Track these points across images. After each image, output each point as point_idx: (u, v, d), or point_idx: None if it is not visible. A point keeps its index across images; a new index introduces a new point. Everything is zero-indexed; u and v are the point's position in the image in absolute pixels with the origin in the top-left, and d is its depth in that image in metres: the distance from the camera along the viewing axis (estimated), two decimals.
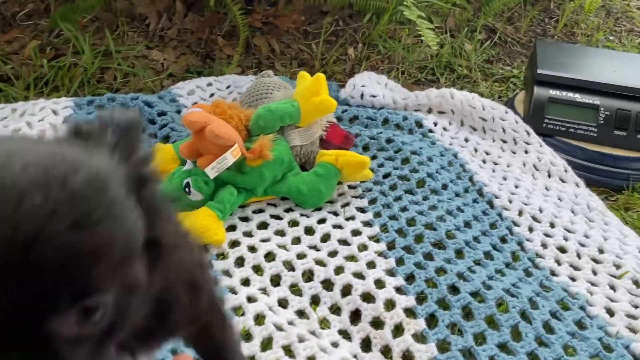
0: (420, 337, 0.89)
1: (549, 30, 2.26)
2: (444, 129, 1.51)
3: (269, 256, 1.03)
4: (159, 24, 1.82)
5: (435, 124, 1.51)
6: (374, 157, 1.35)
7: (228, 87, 1.60)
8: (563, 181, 1.35)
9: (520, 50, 2.10)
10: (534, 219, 1.18)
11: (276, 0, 1.89)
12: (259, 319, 0.90)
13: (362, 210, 1.18)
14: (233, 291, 0.95)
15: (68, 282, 0.27)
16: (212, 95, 1.56)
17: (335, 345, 0.88)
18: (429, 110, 1.58)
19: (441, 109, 1.57)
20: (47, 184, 0.27)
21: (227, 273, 0.99)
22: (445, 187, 1.26)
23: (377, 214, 1.16)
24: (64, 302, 0.27)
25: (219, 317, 0.56)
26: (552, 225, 1.16)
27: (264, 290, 0.96)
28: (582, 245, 1.11)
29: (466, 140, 1.47)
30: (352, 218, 1.15)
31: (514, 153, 1.43)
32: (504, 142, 1.47)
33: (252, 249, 1.05)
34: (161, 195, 0.37)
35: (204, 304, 0.48)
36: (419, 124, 1.50)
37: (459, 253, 1.07)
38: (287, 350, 0.86)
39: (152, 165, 0.36)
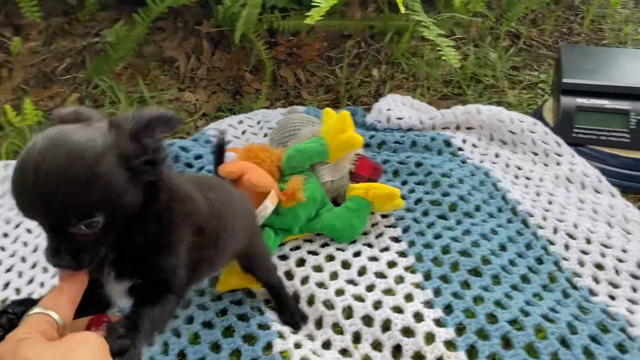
0: None
1: (575, 28, 2.23)
2: (474, 145, 1.52)
3: (310, 299, 1.07)
4: (189, 65, 1.89)
5: (464, 141, 1.52)
6: (404, 183, 1.38)
7: (258, 122, 1.65)
8: (597, 192, 1.34)
9: (546, 53, 2.08)
10: (570, 236, 1.18)
11: (298, 30, 1.93)
12: None
13: (396, 239, 1.20)
14: (281, 336, 0.99)
15: (74, 213, 0.53)
16: (244, 132, 1.61)
17: None
18: (457, 127, 1.59)
19: (469, 125, 1.58)
20: (59, 170, 0.52)
21: (276, 320, 1.03)
22: (478, 208, 1.27)
23: (411, 243, 1.18)
24: (73, 220, 0.53)
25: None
26: (588, 242, 1.16)
27: (309, 336, 1.00)
28: (620, 260, 1.11)
29: (497, 155, 1.48)
30: (387, 249, 1.18)
31: (546, 165, 1.43)
32: (535, 154, 1.47)
33: (294, 294, 1.09)
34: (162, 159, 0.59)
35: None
36: (448, 143, 1.51)
37: (496, 279, 1.08)
38: None
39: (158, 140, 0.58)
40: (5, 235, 1.26)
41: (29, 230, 1.26)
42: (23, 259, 1.19)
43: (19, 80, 1.80)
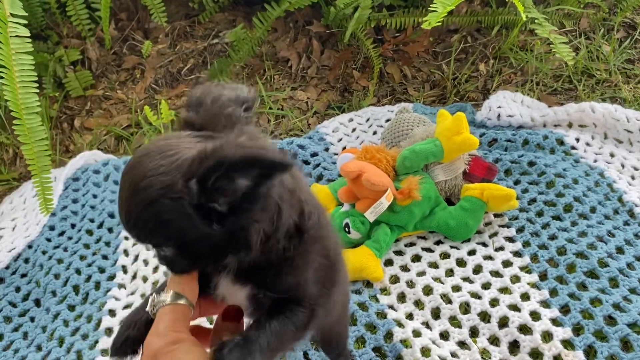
0: None
1: None
2: (587, 144, 1.51)
3: (427, 289, 1.15)
4: (300, 64, 1.99)
5: (578, 140, 1.52)
6: (517, 182, 1.40)
7: (367, 120, 1.73)
8: None
9: None
10: None
11: (404, 27, 1.97)
12: (425, 352, 1.02)
13: (510, 239, 1.24)
14: (400, 325, 1.07)
15: (147, 240, 0.56)
16: (354, 130, 1.69)
17: None
18: (570, 125, 1.59)
19: (582, 123, 1.57)
20: (137, 204, 0.52)
21: (392, 307, 1.12)
22: (593, 210, 1.28)
23: (526, 243, 1.22)
24: (148, 244, 0.56)
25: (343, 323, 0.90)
26: None
27: (426, 325, 1.08)
28: None
29: (612, 155, 1.46)
30: (502, 248, 1.22)
31: None
32: None
33: (410, 284, 1.16)
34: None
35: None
36: (560, 142, 1.51)
37: (613, 281, 1.10)
38: None
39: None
40: None
41: None
42: None
43: (150, 80, 1.99)
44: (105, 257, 1.36)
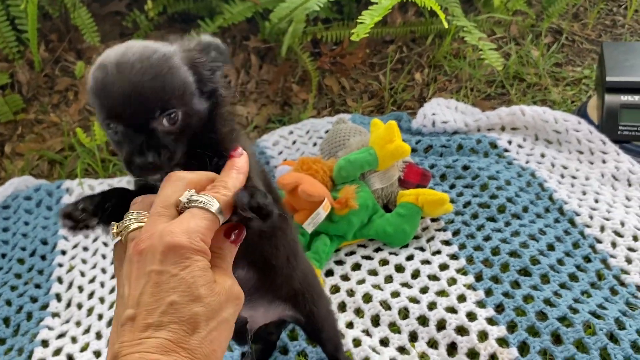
0: None
1: (618, 20, 2.22)
2: (519, 146, 1.56)
3: (367, 297, 1.15)
4: (239, 79, 1.99)
5: (510, 142, 1.56)
6: (452, 186, 1.43)
7: (307, 132, 1.73)
8: None
9: (589, 48, 2.08)
10: (617, 233, 1.21)
11: (340, 39, 1.99)
12: None
13: (447, 242, 1.26)
14: (340, 334, 1.07)
15: (158, 103, 0.56)
16: (294, 142, 1.70)
17: None
18: (502, 128, 1.63)
19: (514, 126, 1.62)
20: (141, 61, 0.56)
21: None
22: (525, 209, 1.32)
23: (462, 246, 1.24)
24: (157, 112, 0.56)
25: (312, 289, 0.85)
26: (635, 239, 1.19)
27: (366, 332, 1.08)
28: None
29: (542, 155, 1.51)
30: (438, 252, 1.24)
31: (592, 164, 1.46)
32: (581, 153, 1.50)
33: (350, 292, 1.17)
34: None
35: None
36: (494, 145, 1.56)
37: (545, 278, 1.13)
38: None
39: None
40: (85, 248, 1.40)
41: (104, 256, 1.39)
42: (103, 271, 1.32)
43: (84, 101, 1.94)
44: (37, 286, 1.31)
